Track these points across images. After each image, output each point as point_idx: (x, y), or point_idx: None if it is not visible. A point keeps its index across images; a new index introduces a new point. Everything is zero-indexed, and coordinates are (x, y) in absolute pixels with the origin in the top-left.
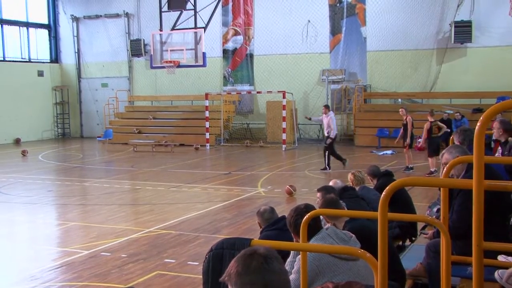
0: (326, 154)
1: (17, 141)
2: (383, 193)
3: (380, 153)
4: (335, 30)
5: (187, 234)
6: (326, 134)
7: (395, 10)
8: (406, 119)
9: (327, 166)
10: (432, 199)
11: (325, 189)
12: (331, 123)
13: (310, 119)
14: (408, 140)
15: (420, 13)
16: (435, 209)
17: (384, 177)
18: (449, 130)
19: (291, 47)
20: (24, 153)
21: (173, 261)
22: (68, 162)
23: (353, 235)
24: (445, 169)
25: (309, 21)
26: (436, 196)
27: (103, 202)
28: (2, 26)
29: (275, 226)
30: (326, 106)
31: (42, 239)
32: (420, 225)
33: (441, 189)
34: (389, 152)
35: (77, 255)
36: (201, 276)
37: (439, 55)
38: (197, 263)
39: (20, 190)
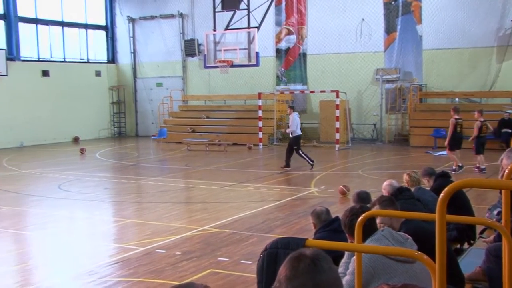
0: (300, 153)
1: (76, 140)
2: (442, 194)
3: (436, 154)
4: (389, 29)
5: (240, 233)
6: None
7: (452, 7)
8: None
9: (311, 163)
10: (492, 201)
11: (358, 195)
12: (290, 124)
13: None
14: (447, 141)
15: (479, 9)
16: (495, 212)
17: (441, 178)
18: (510, 131)
19: (345, 46)
20: (82, 151)
21: (227, 259)
22: (124, 160)
23: (410, 237)
24: (505, 172)
25: (363, 19)
26: (496, 198)
27: (158, 200)
28: (63, 29)
29: (329, 227)
30: (290, 107)
31: (100, 235)
32: (478, 228)
33: (503, 191)
34: (445, 152)
35: (133, 251)
36: (254, 275)
37: (500, 53)
38: (250, 262)
39: (78, 187)
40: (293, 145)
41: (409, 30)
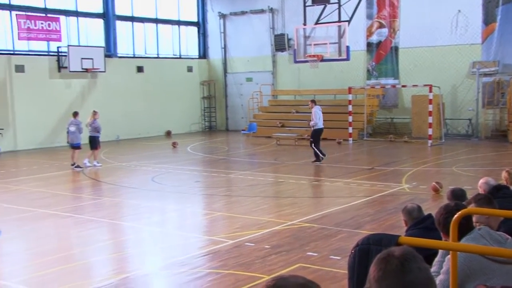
0: (313, 146)
1: (168, 134)
2: None
3: None
4: (488, 19)
5: (329, 228)
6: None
7: None
8: None
9: (319, 159)
10: None
11: (453, 193)
12: (313, 117)
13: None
14: None
15: None
16: None
17: None
18: None
19: (439, 38)
20: (174, 145)
21: (315, 254)
22: (214, 154)
23: (510, 237)
24: None
25: (459, 10)
26: None
27: (247, 194)
28: (157, 26)
29: (421, 225)
30: (312, 101)
31: (190, 228)
32: None
33: None
34: None
35: (223, 244)
36: (343, 271)
37: None
38: (339, 258)
39: (170, 180)
40: (312, 137)
41: (511, 21)
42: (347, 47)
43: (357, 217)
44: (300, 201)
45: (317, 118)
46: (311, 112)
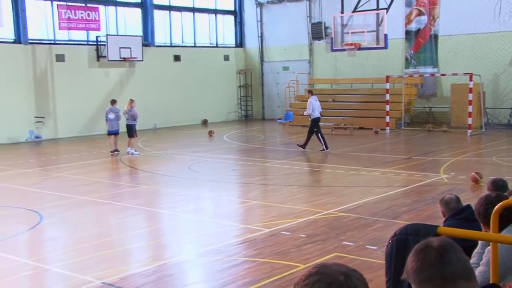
0: (319, 136)
1: (205, 122)
2: None
3: None
4: None
5: (365, 218)
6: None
7: None
8: None
9: (324, 148)
10: None
11: (493, 183)
12: (307, 107)
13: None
14: None
15: None
16: None
17: None
18: None
19: (481, 26)
20: (210, 134)
21: (352, 244)
22: (250, 143)
23: None
24: None
25: None
26: None
27: (283, 183)
28: (194, 14)
29: (460, 216)
30: (309, 91)
31: (226, 216)
32: None
33: None
34: None
35: (258, 232)
36: (379, 261)
37: None
38: (375, 248)
39: (207, 168)
40: (313, 127)
41: None
42: (385, 35)
43: (394, 207)
44: (336, 190)
45: (311, 108)
46: (342, 102)
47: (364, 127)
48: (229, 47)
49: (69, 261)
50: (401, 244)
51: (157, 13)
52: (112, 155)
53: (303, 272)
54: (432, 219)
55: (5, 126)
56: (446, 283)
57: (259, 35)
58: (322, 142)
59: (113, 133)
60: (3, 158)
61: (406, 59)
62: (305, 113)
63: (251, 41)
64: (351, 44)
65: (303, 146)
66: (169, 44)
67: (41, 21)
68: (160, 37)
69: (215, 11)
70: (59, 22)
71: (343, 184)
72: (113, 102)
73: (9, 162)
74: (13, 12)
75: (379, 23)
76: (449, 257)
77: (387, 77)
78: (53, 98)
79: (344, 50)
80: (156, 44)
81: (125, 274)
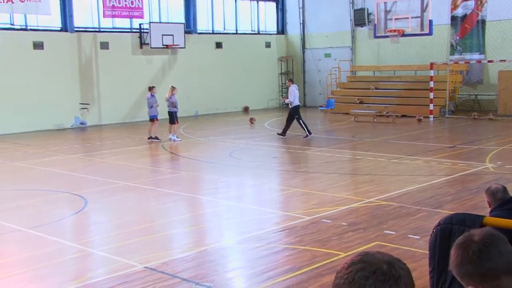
0: (300, 122)
1: (246, 109)
2: None
3: None
4: None
5: (408, 207)
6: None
7: None
8: None
9: (307, 133)
10: None
11: None
12: (289, 95)
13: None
14: None
15: None
16: None
17: None
18: None
19: None
20: (251, 121)
21: (393, 233)
22: (291, 131)
23: None
24: None
25: None
26: None
27: (324, 171)
28: (235, 1)
29: (506, 206)
30: (289, 80)
31: (267, 203)
32: None
33: None
34: None
35: (299, 220)
36: (422, 250)
37: None
38: (418, 237)
39: (248, 155)
40: (294, 114)
41: None
42: (430, 21)
43: (438, 196)
44: (378, 178)
45: (292, 96)
46: (385, 89)
47: (407, 115)
48: (270, 34)
49: (113, 245)
50: (445, 234)
51: (199, 1)
52: (150, 141)
53: (346, 260)
54: (477, 209)
55: (52, 113)
56: (486, 279)
57: (301, 22)
58: (305, 128)
59: (152, 119)
60: (50, 144)
61: (452, 45)
62: (286, 100)
63: (293, 28)
64: (394, 31)
65: (282, 133)
66: (211, 31)
67: (87, 9)
68: (202, 24)
69: None
70: (103, 10)
71: (385, 172)
72: (151, 88)
73: (55, 148)
74: (60, 1)
75: (423, 9)
76: (489, 252)
77: (432, 64)
78: (97, 85)
79: (387, 36)
80: (198, 31)
81: (167, 259)
